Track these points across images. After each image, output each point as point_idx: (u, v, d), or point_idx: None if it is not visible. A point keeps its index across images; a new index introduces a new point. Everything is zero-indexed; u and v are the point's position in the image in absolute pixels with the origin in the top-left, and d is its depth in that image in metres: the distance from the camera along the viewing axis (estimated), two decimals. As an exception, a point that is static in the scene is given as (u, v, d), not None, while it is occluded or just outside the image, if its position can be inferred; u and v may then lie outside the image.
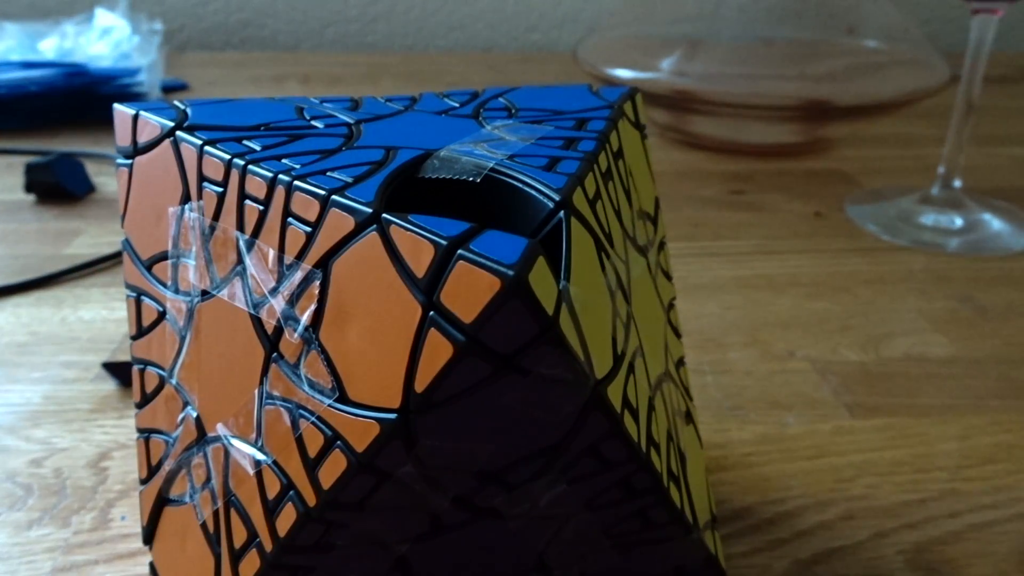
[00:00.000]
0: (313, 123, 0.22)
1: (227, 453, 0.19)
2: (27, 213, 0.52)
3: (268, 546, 0.18)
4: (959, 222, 0.51)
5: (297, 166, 0.19)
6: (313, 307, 0.17)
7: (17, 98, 0.67)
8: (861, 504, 0.29)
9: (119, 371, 0.35)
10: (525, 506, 0.19)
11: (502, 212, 0.19)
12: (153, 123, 0.22)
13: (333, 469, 0.17)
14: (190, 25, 0.99)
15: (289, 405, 0.18)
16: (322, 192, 0.18)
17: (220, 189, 0.20)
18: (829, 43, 0.69)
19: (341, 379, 0.17)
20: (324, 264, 0.17)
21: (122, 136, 0.22)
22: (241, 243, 0.19)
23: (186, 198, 0.21)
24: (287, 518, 0.18)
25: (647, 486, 0.19)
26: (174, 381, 0.21)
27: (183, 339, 0.21)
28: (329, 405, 0.17)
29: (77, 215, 0.52)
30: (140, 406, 0.23)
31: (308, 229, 0.18)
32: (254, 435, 0.19)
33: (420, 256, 0.16)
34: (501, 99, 0.25)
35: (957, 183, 0.52)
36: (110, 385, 0.35)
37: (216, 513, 0.20)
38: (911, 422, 0.33)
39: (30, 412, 0.33)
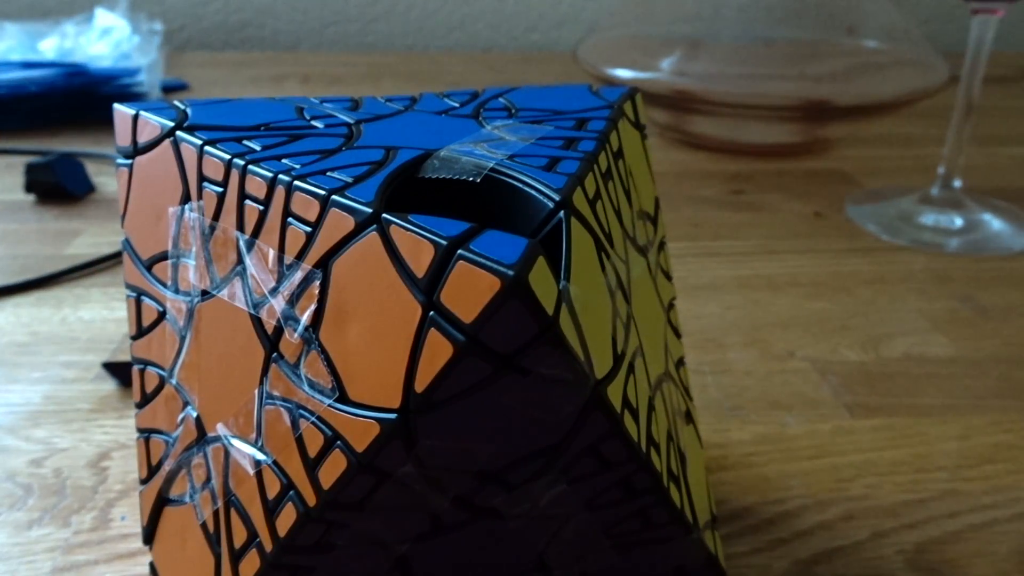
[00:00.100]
0: (313, 123, 0.22)
1: (227, 453, 0.19)
2: (27, 213, 0.52)
3: (268, 546, 0.18)
4: (959, 222, 0.51)
5: (297, 166, 0.19)
6: (313, 307, 0.17)
7: (17, 98, 0.67)
8: (861, 504, 0.29)
9: (119, 371, 0.35)
10: (525, 506, 0.19)
11: (502, 212, 0.19)
12: (153, 123, 0.22)
13: (333, 469, 0.17)
14: (190, 25, 0.99)
15: (289, 405, 0.18)
16: (322, 192, 0.18)
17: (220, 189, 0.20)
18: (829, 43, 0.69)
19: (341, 379, 0.17)
20: (324, 264, 0.17)
21: (122, 136, 0.22)
22: (241, 243, 0.19)
23: (186, 198, 0.21)
24: (287, 518, 0.18)
25: (647, 486, 0.19)
26: (174, 381, 0.21)
27: (183, 339, 0.21)
28: (329, 405, 0.17)
29: (77, 215, 0.52)
30: (140, 406, 0.23)
31: (308, 229, 0.18)
32: (254, 435, 0.19)
33: (420, 256, 0.16)
34: (501, 99, 0.25)
35: (957, 183, 0.52)
36: (110, 385, 0.35)
37: (216, 513, 0.20)
38: (911, 422, 0.33)
39: (30, 412, 0.33)
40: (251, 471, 0.19)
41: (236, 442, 0.19)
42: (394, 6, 1.01)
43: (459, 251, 0.15)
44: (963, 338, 0.39)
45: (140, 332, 0.23)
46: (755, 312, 0.41)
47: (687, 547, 0.22)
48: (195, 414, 0.21)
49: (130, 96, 0.70)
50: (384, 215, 0.16)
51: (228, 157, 0.20)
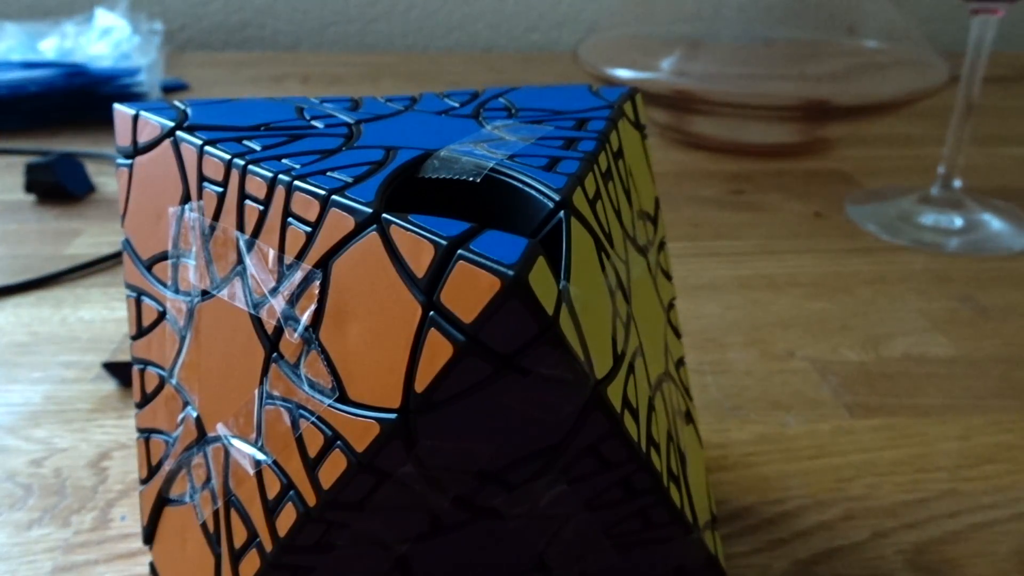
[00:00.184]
0: (313, 123, 0.22)
1: (227, 453, 0.19)
2: (27, 213, 0.52)
3: (268, 546, 0.18)
4: (959, 222, 0.51)
5: (297, 166, 0.19)
6: (313, 307, 0.17)
7: (17, 98, 0.67)
8: (861, 504, 0.29)
9: (119, 371, 0.35)
10: (525, 506, 0.19)
11: (502, 212, 0.19)
12: (153, 123, 0.22)
13: (333, 469, 0.17)
14: (190, 25, 0.99)
15: (289, 405, 0.18)
16: (322, 192, 0.18)
17: (220, 189, 0.20)
18: (829, 43, 0.69)
19: (341, 379, 0.17)
20: (324, 264, 0.17)
21: (122, 136, 0.22)
22: (241, 243, 0.19)
23: (186, 198, 0.21)
24: (287, 518, 0.18)
25: (647, 486, 0.19)
26: (174, 381, 0.21)
27: (183, 339, 0.21)
28: (329, 405, 0.17)
29: (77, 215, 0.52)
30: (140, 406, 0.23)
31: (308, 229, 0.18)
32: (254, 435, 0.19)
33: (420, 256, 0.16)
34: (501, 99, 0.25)
35: (957, 183, 0.52)
36: (110, 385, 0.35)
37: (216, 513, 0.20)
38: (911, 422, 0.33)
39: (30, 412, 0.33)
40: (251, 471, 0.19)
41: (236, 442, 0.19)
42: (394, 6, 1.01)
43: (459, 251, 0.15)
44: (963, 338, 0.39)
45: (140, 332, 0.23)
46: (755, 312, 0.41)
47: (687, 547, 0.22)
48: (195, 414, 0.21)
49: (130, 96, 0.70)
50: (384, 215, 0.16)
51: (228, 157, 0.20)
